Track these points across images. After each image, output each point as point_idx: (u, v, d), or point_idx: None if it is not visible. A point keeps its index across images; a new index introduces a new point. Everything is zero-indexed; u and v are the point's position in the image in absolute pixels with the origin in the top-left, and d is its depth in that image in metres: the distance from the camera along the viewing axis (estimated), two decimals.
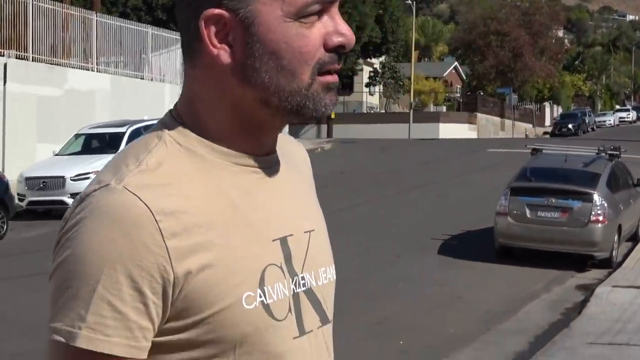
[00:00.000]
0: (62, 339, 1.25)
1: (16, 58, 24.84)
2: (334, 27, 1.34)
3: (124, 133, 21.58)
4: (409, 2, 59.11)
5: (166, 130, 1.41)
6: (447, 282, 11.71)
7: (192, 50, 1.38)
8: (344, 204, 19.96)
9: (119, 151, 1.44)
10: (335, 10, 1.36)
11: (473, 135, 54.34)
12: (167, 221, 1.27)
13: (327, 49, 1.35)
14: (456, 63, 77.55)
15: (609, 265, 13.99)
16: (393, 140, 42.93)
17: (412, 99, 57.35)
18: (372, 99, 70.23)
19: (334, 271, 1.60)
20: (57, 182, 19.98)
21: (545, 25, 65.62)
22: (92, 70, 29.15)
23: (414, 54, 61.77)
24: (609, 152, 15.85)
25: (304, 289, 1.47)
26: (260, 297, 1.36)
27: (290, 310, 1.42)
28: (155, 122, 1.60)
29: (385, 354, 7.98)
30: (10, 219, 17.63)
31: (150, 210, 1.26)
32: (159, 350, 1.32)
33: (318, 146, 40.38)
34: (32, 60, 25.93)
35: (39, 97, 24.80)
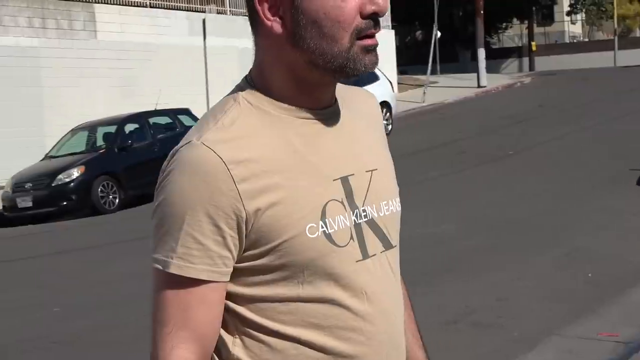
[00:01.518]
0: (160, 267, 1.55)
1: (217, 13, 25.97)
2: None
3: None
4: None
5: (240, 93, 1.65)
6: None
7: (254, 22, 1.62)
8: (542, 137, 19.67)
9: (206, 112, 1.72)
10: None
11: None
12: (238, 169, 1.51)
13: (363, 16, 1.54)
14: None
15: None
16: (596, 70, 40.68)
17: (616, 25, 54.29)
18: (574, 28, 67.28)
19: (398, 204, 1.81)
20: None
21: None
22: None
23: None
24: None
25: (366, 219, 1.69)
26: (322, 227, 1.59)
27: (352, 237, 1.64)
28: None
29: (570, 284, 7.93)
30: None
31: (223, 161, 1.50)
32: (242, 274, 1.59)
33: (517, 80, 39.33)
34: (230, 14, 26.99)
35: (239, 50, 25.72)
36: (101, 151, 17.82)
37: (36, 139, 20.41)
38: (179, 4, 25.42)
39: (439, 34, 36.76)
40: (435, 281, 8.58)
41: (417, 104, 31.27)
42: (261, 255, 1.58)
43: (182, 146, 1.57)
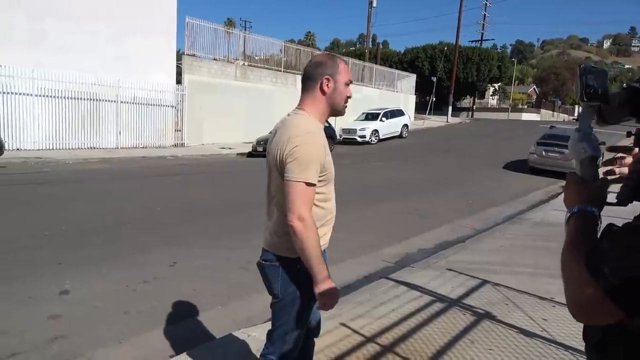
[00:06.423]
0: (301, 181, 3.14)
1: None
2: (350, 90, 3.45)
3: (379, 113, 36.53)
4: None
5: (305, 115, 3.37)
6: None
7: (312, 86, 3.40)
8: (468, 145, 30.52)
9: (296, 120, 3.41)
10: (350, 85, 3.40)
11: None
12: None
13: (347, 95, 3.44)
14: None
15: None
16: (499, 120, 61.99)
17: (511, 101, 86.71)
18: (492, 101, 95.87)
19: None
20: (354, 131, 33.76)
21: None
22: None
23: None
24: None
25: None
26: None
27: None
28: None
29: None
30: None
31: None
32: (319, 181, 3.29)
33: (464, 120, 58.52)
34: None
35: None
36: None
37: (268, 127, 28.20)
38: None
39: (434, 98, 62.57)
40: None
41: (420, 127, 47.83)
42: (324, 173, 3.25)
43: (305, 132, 3.17)
